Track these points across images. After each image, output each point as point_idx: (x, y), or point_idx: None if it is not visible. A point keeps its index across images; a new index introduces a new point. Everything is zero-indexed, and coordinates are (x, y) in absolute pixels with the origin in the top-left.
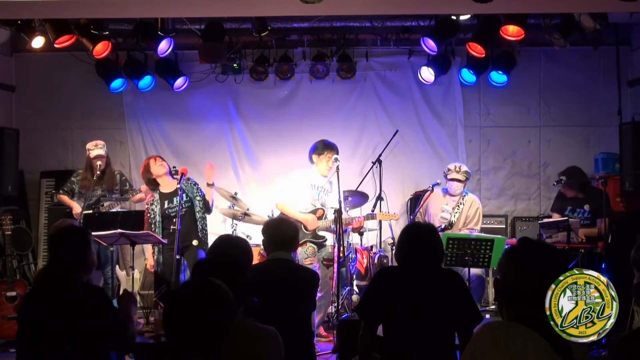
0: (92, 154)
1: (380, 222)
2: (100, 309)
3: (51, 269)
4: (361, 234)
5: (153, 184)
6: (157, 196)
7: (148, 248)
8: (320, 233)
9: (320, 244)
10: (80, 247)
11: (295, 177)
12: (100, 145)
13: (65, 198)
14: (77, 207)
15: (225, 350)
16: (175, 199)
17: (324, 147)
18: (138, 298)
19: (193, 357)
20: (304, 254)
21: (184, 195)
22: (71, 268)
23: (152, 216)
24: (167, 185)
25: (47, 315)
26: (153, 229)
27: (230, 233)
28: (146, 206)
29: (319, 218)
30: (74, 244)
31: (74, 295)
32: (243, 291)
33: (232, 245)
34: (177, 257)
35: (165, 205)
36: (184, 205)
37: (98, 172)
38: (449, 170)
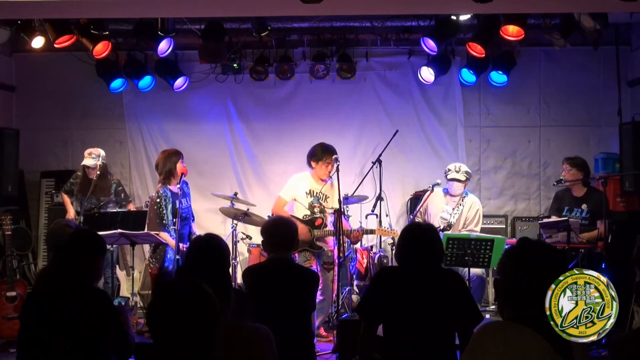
0: (84, 162)
1: (380, 222)
2: (103, 312)
3: (57, 270)
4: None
5: (168, 177)
6: (169, 193)
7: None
8: (318, 243)
9: (317, 253)
10: (92, 254)
11: (290, 185)
12: (94, 155)
13: (65, 198)
14: (71, 212)
15: (213, 352)
16: (183, 200)
17: (323, 152)
18: (138, 298)
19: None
20: (303, 258)
21: (187, 199)
22: (80, 271)
23: (163, 211)
24: (175, 186)
25: (49, 316)
26: (166, 226)
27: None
28: (156, 199)
29: (318, 226)
30: (87, 249)
31: (77, 297)
32: (227, 292)
33: (209, 247)
34: (177, 257)
35: (176, 205)
36: (187, 208)
37: (95, 179)
38: (449, 170)
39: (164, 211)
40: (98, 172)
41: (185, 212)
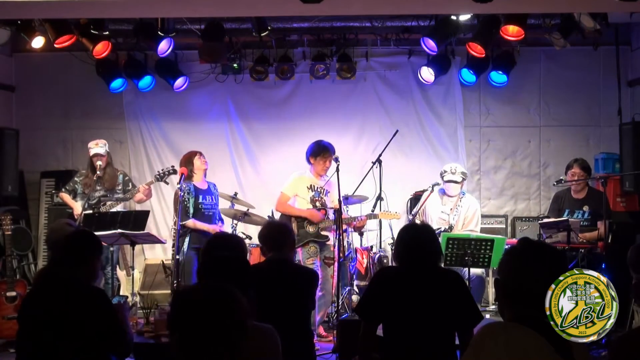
0: (91, 152)
1: (380, 222)
2: (102, 311)
3: (55, 270)
4: (361, 234)
5: (189, 176)
6: (192, 187)
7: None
8: (323, 233)
9: (323, 243)
10: (89, 254)
11: (292, 182)
12: (101, 144)
13: (66, 197)
14: (77, 208)
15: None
16: (209, 197)
17: (321, 149)
18: (138, 298)
19: None
20: (306, 254)
21: (213, 197)
22: (76, 271)
23: (186, 204)
24: (201, 181)
25: (48, 316)
26: (183, 219)
27: (224, 232)
28: (180, 193)
29: (322, 219)
30: (84, 249)
31: (75, 297)
32: (248, 291)
33: (227, 244)
34: (177, 257)
35: (200, 200)
36: (212, 207)
37: (98, 173)
38: (444, 172)
39: (187, 204)
40: (107, 162)
41: (208, 210)
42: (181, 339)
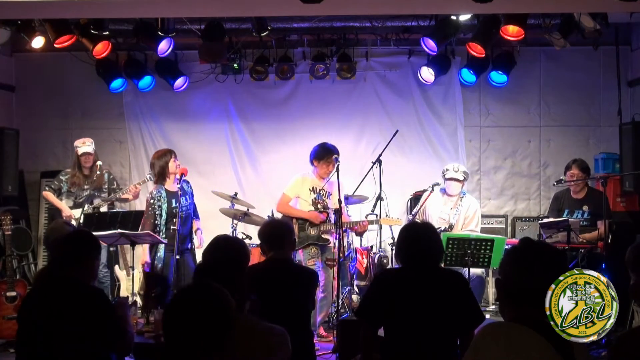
0: (80, 151)
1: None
2: (101, 311)
3: (54, 270)
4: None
5: (161, 177)
6: (164, 193)
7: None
8: (324, 236)
9: (324, 246)
10: (87, 254)
11: (294, 183)
12: (88, 143)
13: (50, 196)
14: (66, 209)
15: (228, 351)
16: (182, 199)
17: (325, 152)
18: (138, 298)
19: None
20: (308, 255)
21: (187, 197)
22: (75, 271)
23: (157, 212)
24: (172, 184)
25: (47, 316)
26: (157, 226)
27: (227, 233)
28: (150, 200)
29: (323, 221)
30: (83, 249)
31: (75, 297)
32: (244, 290)
33: (229, 246)
34: (177, 257)
35: (173, 204)
36: (187, 207)
37: (97, 173)
38: (447, 170)
39: (157, 212)
40: (94, 162)
41: (185, 212)
42: (172, 338)
